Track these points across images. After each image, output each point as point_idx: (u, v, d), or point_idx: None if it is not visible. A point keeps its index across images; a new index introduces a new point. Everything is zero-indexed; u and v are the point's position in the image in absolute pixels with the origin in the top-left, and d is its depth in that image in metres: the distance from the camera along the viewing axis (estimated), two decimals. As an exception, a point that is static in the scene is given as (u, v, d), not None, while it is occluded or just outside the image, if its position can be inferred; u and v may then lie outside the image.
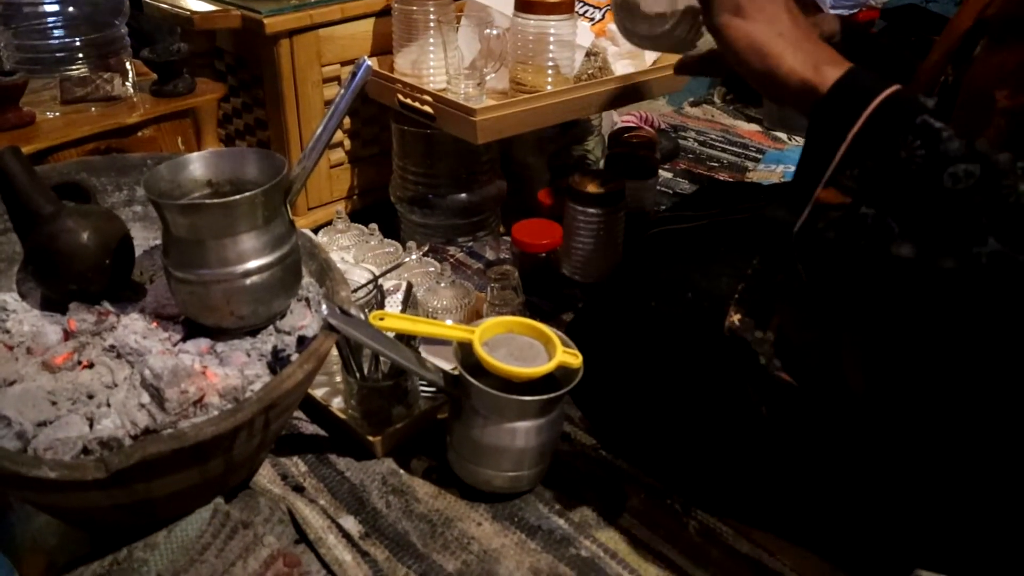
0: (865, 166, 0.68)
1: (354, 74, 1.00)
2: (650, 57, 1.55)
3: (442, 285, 1.30)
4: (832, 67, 0.72)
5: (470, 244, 1.58)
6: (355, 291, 1.18)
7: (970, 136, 0.69)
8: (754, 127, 2.17)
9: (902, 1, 2.06)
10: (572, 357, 1.00)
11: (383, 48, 1.54)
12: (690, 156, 2.03)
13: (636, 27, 0.98)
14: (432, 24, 1.43)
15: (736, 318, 0.99)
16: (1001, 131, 0.71)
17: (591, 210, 1.41)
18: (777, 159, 2.00)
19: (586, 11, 1.54)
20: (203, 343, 0.97)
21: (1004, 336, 0.67)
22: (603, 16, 1.53)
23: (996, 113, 0.71)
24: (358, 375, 1.11)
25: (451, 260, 1.54)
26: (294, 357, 0.95)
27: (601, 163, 1.76)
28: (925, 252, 0.65)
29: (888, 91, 0.68)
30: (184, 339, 0.98)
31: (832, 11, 1.95)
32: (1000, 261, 0.61)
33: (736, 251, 1.09)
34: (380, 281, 1.23)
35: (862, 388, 0.85)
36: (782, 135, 2.11)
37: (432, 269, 1.36)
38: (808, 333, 0.94)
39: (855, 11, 2.00)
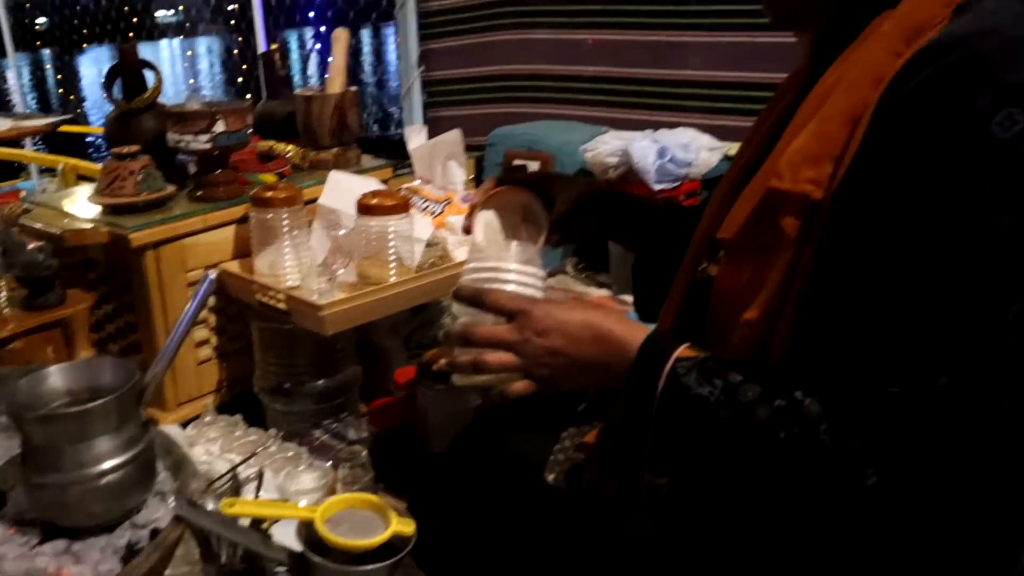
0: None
1: (200, 288, 1.13)
2: (488, 243, 1.73)
3: (300, 468, 1.40)
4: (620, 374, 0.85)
5: (334, 426, 1.68)
6: (214, 482, 1.27)
7: (723, 338, 0.85)
8: (604, 292, 2.36)
9: (719, 172, 2.32)
10: (405, 526, 1.11)
11: (244, 251, 1.69)
12: (546, 325, 2.19)
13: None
14: (286, 229, 1.59)
15: (551, 478, 1.12)
16: (744, 339, 0.85)
17: (439, 385, 1.55)
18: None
19: (427, 206, 1.72)
20: (60, 544, 1.04)
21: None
22: (443, 209, 1.72)
23: (738, 322, 0.85)
24: (217, 561, 1.18)
25: (316, 443, 1.64)
26: (147, 549, 1.03)
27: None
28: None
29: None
30: (42, 541, 1.05)
31: (657, 185, 2.20)
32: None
33: (554, 417, 1.23)
34: (240, 470, 1.33)
35: (654, 533, 0.97)
36: (629, 297, 2.31)
37: (292, 454, 1.46)
38: (612, 486, 1.07)
39: (678, 184, 2.25)
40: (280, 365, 1.61)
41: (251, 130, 1.74)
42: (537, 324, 0.89)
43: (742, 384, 0.77)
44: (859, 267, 0.73)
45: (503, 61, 2.90)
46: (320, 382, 1.62)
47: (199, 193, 1.70)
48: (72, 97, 12.63)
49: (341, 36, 1.99)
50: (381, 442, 1.56)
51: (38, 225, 1.65)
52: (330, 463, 1.48)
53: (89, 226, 1.61)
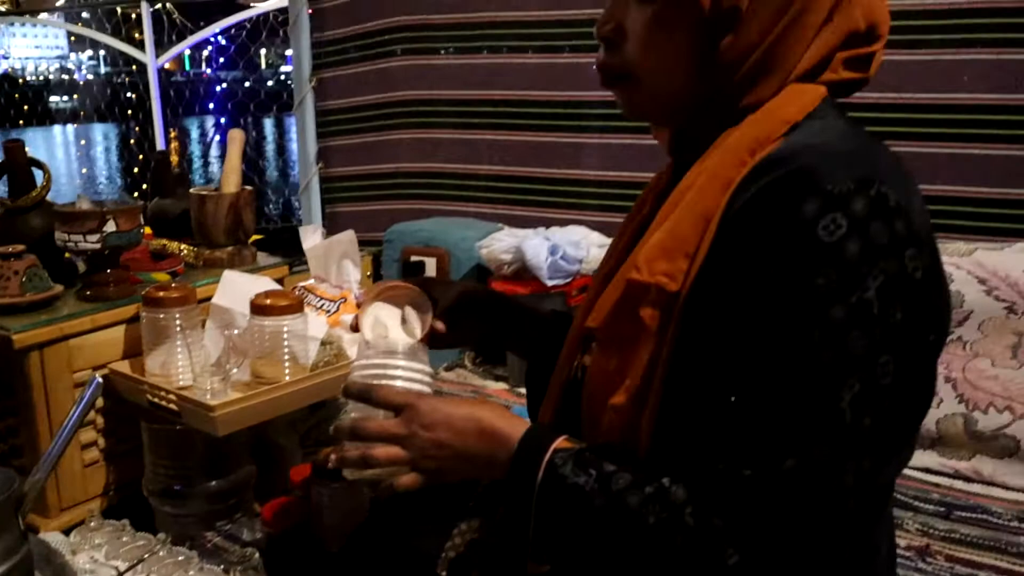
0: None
1: (85, 392, 1.13)
2: (384, 340, 1.76)
3: (190, 574, 1.37)
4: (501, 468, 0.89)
5: (228, 528, 1.65)
6: (97, 591, 1.24)
7: (595, 425, 0.89)
8: (502, 385, 2.40)
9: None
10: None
11: (135, 350, 1.67)
12: (443, 418, 2.22)
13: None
14: (179, 328, 1.59)
15: (444, 573, 1.13)
16: (613, 424, 0.89)
17: (335, 484, 1.54)
18: (522, 412, 2.22)
19: (322, 305, 1.74)
20: (-73, 665, 1.00)
21: None
22: (338, 308, 1.74)
23: (607, 408, 0.90)
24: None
25: (208, 546, 1.61)
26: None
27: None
28: None
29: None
30: (-93, 663, 1.00)
31: (550, 281, 2.28)
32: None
33: (449, 512, 1.25)
34: (125, 577, 1.30)
35: None
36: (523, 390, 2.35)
37: (181, 558, 1.43)
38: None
39: (570, 280, 2.33)
40: (171, 466, 1.58)
41: (143, 229, 1.74)
42: (424, 418, 0.93)
43: (615, 473, 0.81)
44: (714, 357, 0.80)
45: (400, 159, 2.98)
46: (213, 483, 1.60)
47: (88, 292, 1.68)
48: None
49: (236, 136, 2.02)
50: (275, 542, 1.54)
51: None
52: (222, 567, 1.45)
53: (-31, 325, 1.57)
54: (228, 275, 1.70)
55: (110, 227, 1.62)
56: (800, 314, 0.74)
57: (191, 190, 1.94)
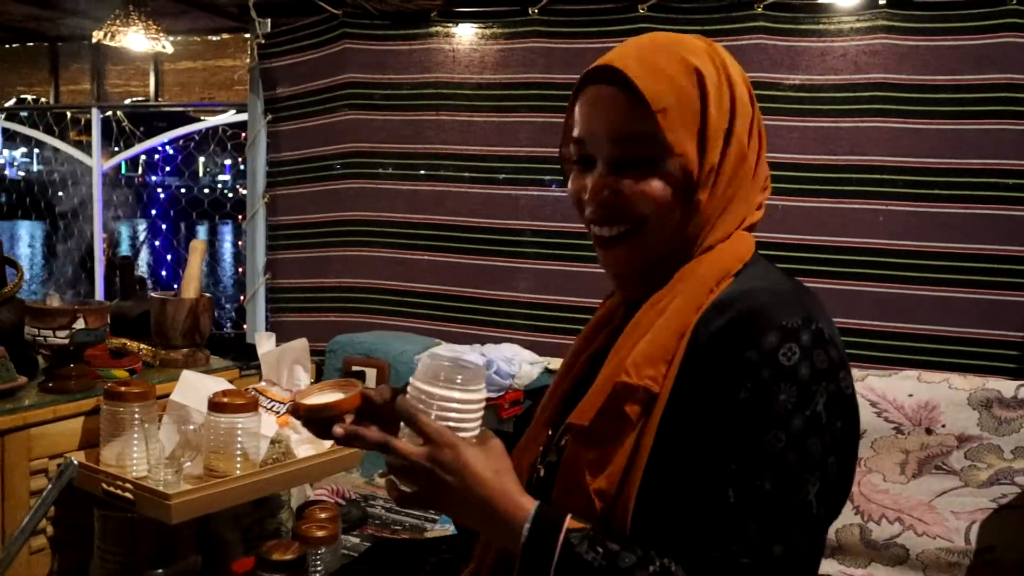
0: None
1: (61, 473, 1.23)
2: (328, 442, 1.87)
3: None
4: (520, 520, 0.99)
5: (168, 616, 1.72)
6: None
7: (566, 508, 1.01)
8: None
9: (540, 383, 2.58)
10: None
11: (91, 441, 1.76)
12: (377, 522, 2.32)
13: None
14: (137, 422, 1.69)
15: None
16: (593, 506, 1.00)
17: (277, 575, 1.64)
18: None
19: (273, 406, 1.86)
20: None
21: None
22: (287, 410, 1.86)
23: (587, 492, 1.01)
24: None
25: (148, 633, 1.67)
26: None
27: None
28: None
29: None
30: None
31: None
32: None
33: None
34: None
35: None
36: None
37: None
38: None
39: (503, 393, 2.48)
40: (119, 553, 1.66)
41: (108, 328, 1.85)
42: (445, 465, 0.97)
43: (620, 552, 0.94)
44: (687, 450, 0.95)
45: (344, 274, 3.14)
46: (159, 571, 1.67)
47: (51, 384, 1.78)
48: None
49: (198, 247, 2.17)
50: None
51: None
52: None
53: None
54: (187, 375, 1.82)
55: (79, 324, 1.74)
56: (769, 424, 0.91)
57: (153, 294, 2.07)
